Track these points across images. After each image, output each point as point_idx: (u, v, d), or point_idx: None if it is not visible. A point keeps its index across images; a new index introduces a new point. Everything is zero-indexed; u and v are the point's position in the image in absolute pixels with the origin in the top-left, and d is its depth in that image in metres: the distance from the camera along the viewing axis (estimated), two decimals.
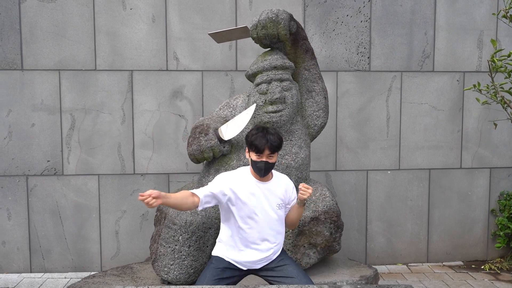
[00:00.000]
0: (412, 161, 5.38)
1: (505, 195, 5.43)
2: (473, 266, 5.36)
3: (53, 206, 5.05)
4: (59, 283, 4.80)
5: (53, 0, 4.90)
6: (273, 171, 3.12)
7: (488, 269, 5.23)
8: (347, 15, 5.18)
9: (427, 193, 5.42)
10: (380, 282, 4.75)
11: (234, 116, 4.02)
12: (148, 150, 5.10)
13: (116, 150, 5.07)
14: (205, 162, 4.04)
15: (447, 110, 5.38)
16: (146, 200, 2.58)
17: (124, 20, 5.00)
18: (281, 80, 3.81)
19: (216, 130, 3.83)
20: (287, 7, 5.02)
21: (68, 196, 5.06)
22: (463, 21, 5.32)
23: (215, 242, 3.86)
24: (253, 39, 3.92)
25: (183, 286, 2.60)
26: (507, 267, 5.27)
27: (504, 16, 3.58)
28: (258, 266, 3.09)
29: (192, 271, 3.71)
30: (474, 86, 3.73)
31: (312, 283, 2.98)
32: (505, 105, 3.65)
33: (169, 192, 5.05)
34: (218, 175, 3.08)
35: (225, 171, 3.84)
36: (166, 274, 3.72)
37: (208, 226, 3.76)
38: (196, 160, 3.87)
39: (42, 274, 5.07)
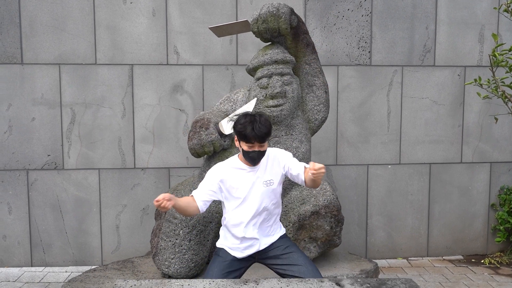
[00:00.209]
0: (413, 155, 5.38)
1: (505, 190, 5.44)
2: (473, 260, 5.38)
3: (54, 200, 5.06)
4: (60, 277, 4.81)
5: None
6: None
7: (488, 263, 5.24)
8: (348, 9, 5.16)
9: (428, 188, 5.43)
10: (380, 276, 4.76)
11: (235, 110, 4.02)
12: (148, 144, 5.10)
13: (117, 145, 5.07)
14: (205, 156, 4.03)
15: (448, 104, 5.37)
16: (162, 205, 2.65)
17: (124, 14, 4.99)
18: (282, 74, 3.80)
19: (216, 125, 3.83)
20: (288, 1, 5.00)
21: (69, 190, 5.06)
22: (464, 15, 5.30)
23: (216, 236, 3.87)
24: (254, 33, 3.91)
25: (184, 280, 2.60)
26: (506, 261, 5.28)
27: (505, 10, 3.58)
28: (262, 248, 3.09)
29: (192, 265, 3.72)
30: (475, 80, 3.72)
31: (318, 271, 2.99)
32: (506, 99, 3.65)
33: (169, 187, 5.07)
34: (208, 172, 3.09)
35: None
36: (167, 268, 3.73)
37: (208, 220, 3.76)
38: (197, 155, 3.87)
39: (43, 268, 5.08)
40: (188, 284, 2.52)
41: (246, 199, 3.00)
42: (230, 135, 3.88)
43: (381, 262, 5.26)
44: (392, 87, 5.29)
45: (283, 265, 3.05)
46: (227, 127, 3.81)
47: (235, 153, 3.84)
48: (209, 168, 3.92)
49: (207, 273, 3.02)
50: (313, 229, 3.84)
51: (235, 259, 3.06)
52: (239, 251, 3.07)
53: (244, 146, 2.90)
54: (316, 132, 4.24)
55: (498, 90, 3.65)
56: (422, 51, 5.29)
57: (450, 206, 5.47)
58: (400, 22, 5.24)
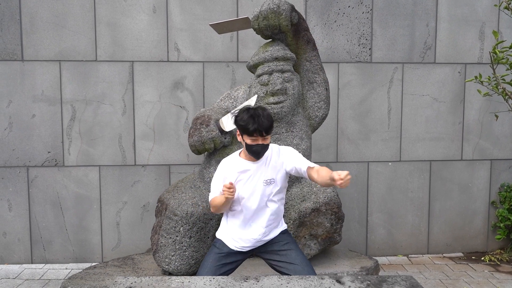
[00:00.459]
0: (413, 152, 5.38)
1: (505, 187, 5.44)
2: (473, 257, 5.38)
3: (54, 197, 5.06)
4: (60, 274, 4.82)
5: None
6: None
7: (488, 261, 5.24)
8: (349, 6, 5.16)
9: (428, 185, 5.43)
10: (381, 273, 4.76)
11: (235, 107, 4.02)
12: (149, 141, 5.10)
13: (117, 141, 5.07)
14: (206, 153, 4.04)
15: (449, 101, 5.37)
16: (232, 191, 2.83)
17: (125, 11, 4.98)
18: (282, 71, 3.80)
19: (217, 121, 3.83)
20: None
21: (69, 187, 5.06)
22: (465, 12, 5.29)
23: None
24: (255, 30, 3.90)
25: (184, 276, 2.60)
26: (507, 258, 5.28)
27: (506, 8, 3.56)
28: (261, 244, 3.09)
29: (193, 262, 3.72)
30: (476, 77, 3.71)
31: (314, 272, 2.99)
32: (507, 96, 3.64)
33: (169, 184, 5.06)
34: (218, 167, 3.08)
35: None
36: (167, 265, 3.73)
37: (209, 217, 3.76)
38: (197, 151, 3.87)
39: (43, 265, 5.08)
40: (189, 281, 2.52)
41: (247, 197, 2.99)
42: (230, 132, 3.88)
43: (381, 259, 5.26)
44: (393, 84, 5.29)
45: (279, 261, 3.05)
46: (227, 124, 3.81)
47: (235, 150, 3.84)
48: (209, 165, 3.95)
49: (203, 264, 3.02)
50: (314, 226, 3.84)
51: (232, 251, 3.06)
52: (238, 245, 3.07)
53: (247, 140, 2.87)
54: (317, 129, 4.24)
55: (499, 87, 3.64)
56: (422, 48, 5.28)
57: (451, 204, 5.47)
58: (401, 19, 5.23)
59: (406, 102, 5.32)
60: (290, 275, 2.93)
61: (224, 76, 5.12)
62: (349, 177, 2.66)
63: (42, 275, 4.78)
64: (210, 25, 4.03)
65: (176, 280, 2.54)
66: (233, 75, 5.12)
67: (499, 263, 5.19)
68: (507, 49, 3.55)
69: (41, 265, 5.06)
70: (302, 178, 3.94)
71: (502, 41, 3.69)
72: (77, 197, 5.08)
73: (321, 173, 2.85)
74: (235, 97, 4.12)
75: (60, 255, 5.13)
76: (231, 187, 2.81)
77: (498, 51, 3.54)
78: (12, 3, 4.86)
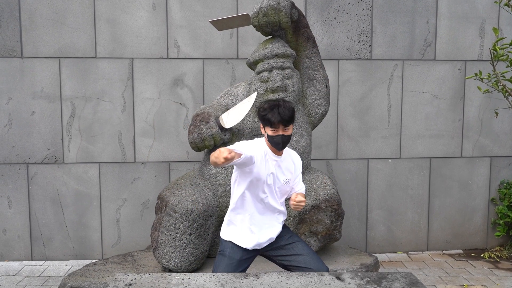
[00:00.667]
0: (413, 149, 5.38)
1: (505, 184, 5.44)
2: (472, 254, 5.38)
3: (54, 194, 5.06)
4: (60, 271, 4.82)
5: None
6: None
7: (488, 258, 5.24)
8: (349, 3, 5.15)
9: (428, 182, 5.43)
10: (380, 270, 4.77)
11: (235, 104, 4.02)
12: (148, 138, 5.09)
13: (117, 138, 5.07)
14: (206, 150, 4.03)
15: (448, 99, 5.36)
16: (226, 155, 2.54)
17: (125, 7, 4.97)
18: (282, 68, 3.80)
19: (217, 118, 3.82)
20: None
21: (69, 184, 5.06)
22: (465, 9, 5.29)
23: (216, 230, 3.88)
24: (254, 26, 3.90)
25: (184, 273, 2.60)
26: (506, 255, 5.29)
27: (506, 5, 3.57)
28: (265, 244, 3.04)
29: (193, 258, 3.73)
30: (476, 74, 3.72)
31: (322, 261, 3.00)
32: (507, 93, 3.64)
33: (169, 181, 5.07)
34: (244, 142, 2.97)
35: None
36: (167, 262, 3.73)
37: (209, 214, 3.77)
38: (197, 148, 3.87)
39: (43, 262, 5.09)
40: (189, 278, 2.52)
41: (268, 188, 2.96)
42: (230, 129, 3.88)
43: (381, 256, 5.27)
44: (393, 81, 5.28)
45: (287, 255, 3.04)
46: (227, 121, 3.81)
47: None
48: (209, 162, 3.93)
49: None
50: (314, 223, 3.84)
51: (241, 258, 2.99)
52: (250, 242, 3.00)
53: (269, 131, 2.88)
54: (317, 126, 4.24)
55: (499, 84, 3.64)
56: (422, 45, 5.28)
57: (450, 201, 5.48)
58: (401, 16, 5.23)
59: (406, 99, 5.32)
60: (301, 267, 2.95)
61: (224, 73, 5.11)
62: (302, 204, 2.90)
63: (42, 272, 4.79)
64: (210, 22, 4.02)
65: (176, 277, 2.54)
66: (233, 72, 5.12)
67: (498, 260, 5.19)
68: (507, 46, 3.55)
69: (41, 262, 5.07)
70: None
71: (502, 38, 3.69)
72: (77, 194, 5.08)
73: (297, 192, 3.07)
74: (235, 94, 4.12)
75: (60, 252, 5.13)
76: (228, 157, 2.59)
77: (498, 48, 3.54)
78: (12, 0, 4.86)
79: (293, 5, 3.80)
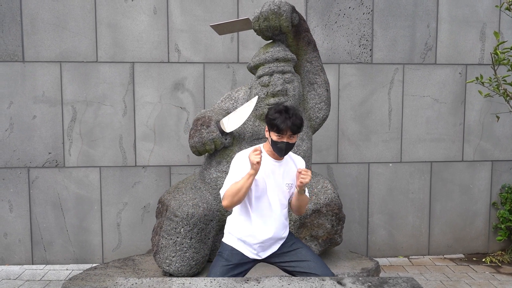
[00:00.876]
0: (414, 153, 5.37)
1: (506, 188, 5.43)
2: (474, 259, 5.37)
3: (55, 198, 5.06)
4: (61, 275, 4.81)
5: None
6: None
7: (489, 262, 5.23)
8: (349, 7, 5.15)
9: (429, 186, 5.42)
10: (381, 274, 4.76)
11: (236, 108, 4.01)
12: (149, 142, 5.10)
13: (118, 142, 5.07)
14: (206, 154, 4.03)
15: (449, 102, 5.36)
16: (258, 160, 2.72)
17: (126, 12, 4.98)
18: (283, 72, 3.80)
19: (217, 122, 3.82)
20: None
21: (70, 188, 5.06)
22: (466, 13, 5.29)
23: (217, 234, 3.87)
24: (255, 31, 3.90)
25: (185, 278, 2.60)
26: (508, 260, 5.28)
27: (507, 9, 3.56)
28: (274, 249, 3.03)
29: (193, 263, 3.72)
30: (477, 78, 3.71)
31: (327, 266, 2.97)
32: (508, 97, 3.63)
33: (170, 185, 5.06)
34: (234, 160, 3.00)
35: (227, 163, 3.84)
36: (168, 266, 3.72)
37: (209, 218, 3.76)
38: (198, 153, 3.87)
39: (44, 266, 5.08)
40: (189, 283, 2.52)
41: (268, 194, 2.95)
42: (231, 133, 3.88)
43: (382, 261, 5.26)
44: (393, 85, 5.28)
45: (291, 261, 3.00)
46: (228, 125, 3.81)
47: (236, 152, 3.84)
48: (210, 166, 3.93)
49: (209, 275, 2.95)
50: (314, 227, 3.84)
51: (239, 262, 2.98)
52: (249, 253, 3.00)
53: (274, 136, 2.84)
54: (317, 130, 4.23)
55: (500, 88, 3.63)
56: (423, 49, 5.28)
57: (451, 205, 5.47)
58: (402, 20, 5.23)
59: (406, 103, 5.32)
60: (306, 272, 2.92)
61: (225, 77, 5.12)
62: (309, 173, 2.82)
63: (43, 276, 4.78)
64: (210, 26, 4.03)
65: (176, 281, 2.54)
66: (234, 76, 5.12)
67: (500, 264, 5.18)
68: (509, 50, 3.54)
69: (41, 266, 5.06)
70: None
71: (503, 42, 3.69)
72: (77, 198, 5.08)
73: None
74: (235, 98, 4.12)
75: (60, 256, 5.13)
76: (257, 150, 2.75)
77: (499, 52, 3.53)
78: (13, 4, 4.86)
79: (293, 10, 3.81)
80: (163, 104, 5.08)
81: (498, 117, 4.17)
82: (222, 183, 3.90)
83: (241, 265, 2.99)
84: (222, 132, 3.81)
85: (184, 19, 5.04)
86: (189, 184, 4.03)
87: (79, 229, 5.12)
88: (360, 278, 2.60)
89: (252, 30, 3.93)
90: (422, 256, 5.46)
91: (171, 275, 3.77)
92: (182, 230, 3.67)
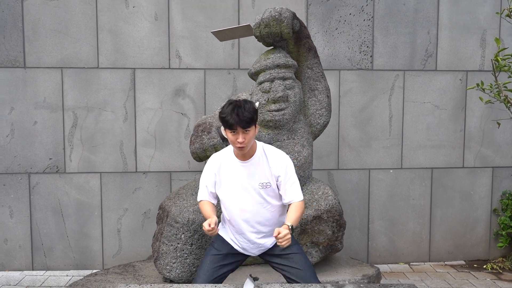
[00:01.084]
0: (415, 160, 5.37)
1: (507, 195, 5.42)
2: (475, 265, 5.36)
3: (55, 204, 5.05)
4: (61, 281, 4.81)
5: None
6: (265, 147, 2.97)
7: (490, 269, 5.22)
8: (350, 14, 5.17)
9: (429, 192, 5.42)
10: (382, 281, 4.75)
11: None
12: (150, 148, 5.10)
13: (118, 148, 5.07)
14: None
15: (450, 109, 5.37)
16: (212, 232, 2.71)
17: (127, 18, 5.00)
18: (284, 79, 3.80)
19: (218, 129, 3.83)
20: (290, 5, 5.00)
21: (70, 194, 5.06)
22: (466, 20, 5.30)
23: None
24: (256, 37, 3.91)
25: (186, 284, 2.59)
26: (509, 266, 5.26)
27: (507, 15, 3.57)
28: (256, 252, 3.05)
29: (194, 269, 3.71)
30: (477, 85, 3.71)
31: (316, 278, 2.92)
32: (509, 104, 3.64)
33: (170, 191, 5.06)
34: (207, 161, 3.03)
35: None
36: (168, 272, 3.72)
37: None
38: (199, 159, 3.87)
39: (44, 271, 5.07)
40: None
41: (238, 199, 2.92)
42: None
43: (382, 267, 5.24)
44: (394, 92, 5.29)
45: (283, 265, 2.98)
46: None
47: None
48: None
49: (200, 265, 2.98)
50: (315, 233, 3.83)
51: (230, 252, 3.02)
52: (239, 246, 3.05)
53: (229, 134, 2.76)
54: (318, 136, 4.24)
55: (501, 95, 3.64)
56: (424, 56, 5.29)
57: (452, 211, 5.46)
58: (402, 27, 5.24)
59: (407, 110, 5.32)
60: (293, 280, 2.90)
61: (226, 83, 5.13)
62: (287, 237, 2.63)
63: (43, 282, 4.77)
64: (211, 32, 4.04)
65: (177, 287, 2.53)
66: (235, 82, 5.13)
67: (501, 271, 5.17)
68: (509, 56, 3.55)
69: (42, 272, 5.05)
70: (303, 185, 3.91)
71: (504, 49, 3.70)
72: (78, 203, 5.08)
73: (288, 212, 2.91)
74: None
75: (61, 262, 5.12)
76: (211, 230, 2.68)
77: (500, 58, 3.54)
78: (15, 10, 4.88)
79: (294, 16, 3.82)
80: (164, 110, 5.09)
81: (499, 124, 4.17)
82: None
83: (231, 256, 3.03)
84: (223, 138, 3.81)
85: (185, 26, 5.05)
86: (189, 190, 4.04)
87: (80, 235, 5.11)
88: (361, 285, 2.60)
89: (253, 36, 3.94)
90: (423, 263, 5.45)
91: (171, 281, 3.76)
92: (182, 236, 3.67)
